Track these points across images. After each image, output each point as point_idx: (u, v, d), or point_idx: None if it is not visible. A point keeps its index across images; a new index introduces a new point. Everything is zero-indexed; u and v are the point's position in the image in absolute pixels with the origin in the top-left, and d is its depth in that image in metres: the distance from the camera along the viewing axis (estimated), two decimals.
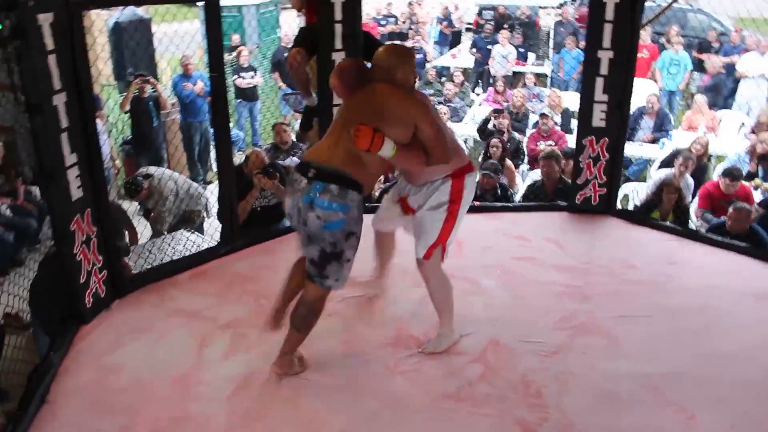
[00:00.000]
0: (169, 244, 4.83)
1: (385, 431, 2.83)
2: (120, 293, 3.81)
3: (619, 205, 5.10)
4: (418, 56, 10.89)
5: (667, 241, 4.65)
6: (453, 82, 9.51)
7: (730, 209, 4.98)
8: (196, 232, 5.20)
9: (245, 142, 8.53)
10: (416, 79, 3.05)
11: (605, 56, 4.59)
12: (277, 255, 4.35)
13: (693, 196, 6.11)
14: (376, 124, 2.78)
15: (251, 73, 8.79)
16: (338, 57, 4.46)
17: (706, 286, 4.03)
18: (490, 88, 9.62)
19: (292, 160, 5.90)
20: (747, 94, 9.26)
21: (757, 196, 6.02)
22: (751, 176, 6.55)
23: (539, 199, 5.47)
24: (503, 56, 10.38)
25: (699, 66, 9.99)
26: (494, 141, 6.77)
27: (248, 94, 8.81)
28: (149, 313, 3.70)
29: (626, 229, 4.80)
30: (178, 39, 6.96)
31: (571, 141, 6.72)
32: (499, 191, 5.64)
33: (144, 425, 2.87)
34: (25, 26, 3.01)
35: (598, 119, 4.69)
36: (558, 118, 8.21)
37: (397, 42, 7.77)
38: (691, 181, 6.20)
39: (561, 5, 11.74)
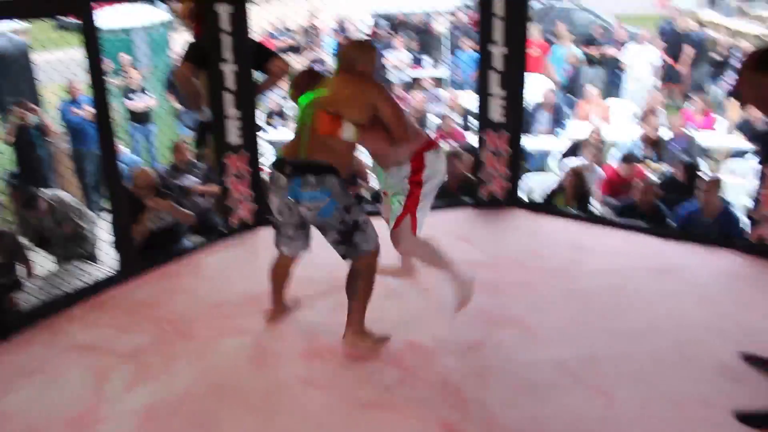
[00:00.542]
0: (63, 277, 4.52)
1: None
2: (4, 334, 3.50)
3: (525, 198, 5.15)
4: (321, 67, 10.80)
5: (572, 227, 4.71)
6: None
7: (639, 184, 5.22)
8: (90, 262, 4.88)
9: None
10: (374, 69, 3.16)
11: (498, 51, 4.63)
12: (178, 278, 4.15)
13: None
14: (335, 109, 2.94)
15: (143, 95, 8.47)
16: (228, 69, 4.31)
17: (612, 268, 4.10)
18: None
19: (190, 179, 5.67)
20: (633, 82, 9.64)
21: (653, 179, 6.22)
22: (644, 159, 6.78)
23: (445, 197, 5.44)
24: (398, 61, 10.44)
25: (589, 60, 10.35)
26: None
27: (141, 117, 8.47)
28: (40, 352, 3.41)
29: (532, 219, 4.84)
30: (62, 67, 6.62)
31: (471, 139, 6.77)
32: None
33: None
34: None
35: (496, 114, 4.72)
36: (459, 118, 8.30)
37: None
38: (600, 170, 6.36)
39: (452, 13, 11.95)
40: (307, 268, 4.09)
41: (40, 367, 3.28)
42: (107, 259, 4.88)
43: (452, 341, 3.35)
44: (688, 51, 9.91)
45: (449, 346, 3.31)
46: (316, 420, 2.83)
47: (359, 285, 3.12)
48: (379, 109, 3.00)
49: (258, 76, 4.51)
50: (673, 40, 10.05)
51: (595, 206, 5.90)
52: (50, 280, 4.46)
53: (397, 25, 12.09)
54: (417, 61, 11.07)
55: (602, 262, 4.19)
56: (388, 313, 3.57)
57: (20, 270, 4.64)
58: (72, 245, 4.90)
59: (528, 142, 6.74)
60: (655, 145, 6.91)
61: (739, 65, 8.79)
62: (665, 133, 7.15)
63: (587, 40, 10.57)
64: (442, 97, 9.32)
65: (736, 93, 2.62)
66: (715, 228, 4.75)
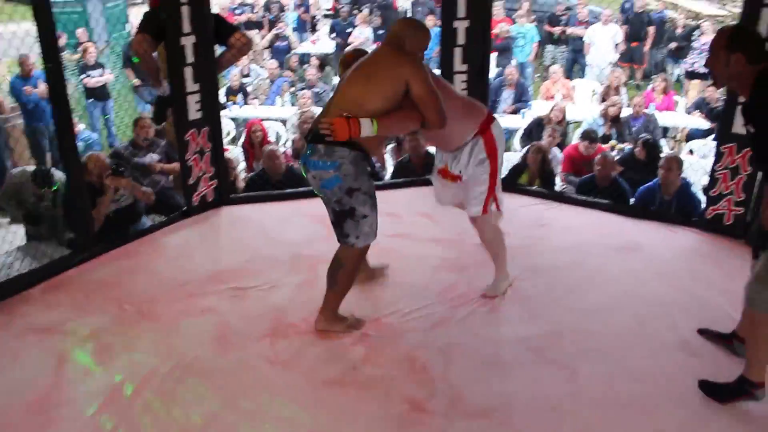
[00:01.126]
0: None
1: (270, 426, 2.68)
2: None
3: None
4: (282, 43, 10.65)
5: (535, 205, 4.75)
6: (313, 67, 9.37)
7: (598, 157, 5.28)
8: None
9: (100, 144, 7.99)
10: (421, 52, 3.09)
11: (461, 26, 4.60)
12: (138, 257, 4.07)
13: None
14: (362, 86, 2.90)
15: (100, 71, 8.25)
16: (188, 41, 4.21)
17: (574, 245, 4.14)
18: None
19: (152, 157, 5.55)
20: (596, 61, 9.73)
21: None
22: (606, 138, 6.84)
23: (408, 175, 5.44)
24: (363, 38, 10.35)
25: (549, 38, 10.38)
26: None
27: (99, 93, 8.25)
28: None
29: None
30: (17, 40, 6.38)
31: None
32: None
33: None
34: None
35: (459, 88, 4.70)
36: None
37: None
38: (559, 153, 6.39)
39: None
40: (272, 246, 4.08)
41: None
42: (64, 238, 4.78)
43: (417, 318, 3.36)
44: (649, 31, 10.03)
45: (414, 323, 3.32)
46: (281, 398, 2.81)
47: (339, 274, 3.12)
48: (411, 87, 2.90)
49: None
50: (634, 20, 10.16)
51: (558, 184, 5.95)
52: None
53: (360, 0, 11.95)
54: (381, 38, 10.96)
55: (565, 239, 4.23)
56: (352, 292, 3.56)
57: None
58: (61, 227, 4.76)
59: None
60: (615, 122, 6.99)
61: (698, 45, 9.03)
62: (626, 112, 7.23)
63: (550, 19, 10.61)
64: None
65: (709, 73, 2.60)
66: (674, 206, 4.82)
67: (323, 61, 9.82)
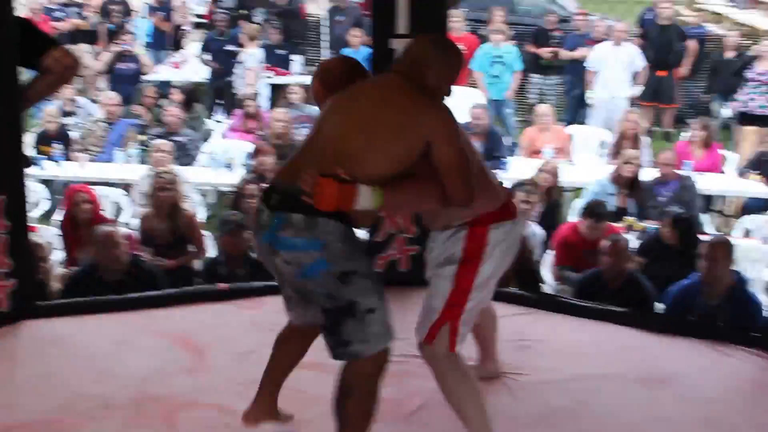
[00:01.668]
0: None
1: None
2: None
3: None
4: (130, 66, 10.67)
5: (514, 315, 4.75)
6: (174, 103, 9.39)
7: (605, 242, 5.33)
8: None
9: None
10: (449, 88, 3.16)
11: (402, 46, 4.68)
12: None
13: (545, 249, 6.39)
14: (362, 137, 2.93)
15: None
16: None
17: (573, 377, 4.14)
18: (238, 111, 9.61)
19: None
20: (603, 101, 10.03)
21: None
22: (620, 214, 6.98)
23: None
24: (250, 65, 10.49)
25: (535, 64, 10.69)
26: (250, 189, 6.74)
27: None
28: None
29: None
30: None
31: None
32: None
33: None
34: None
35: None
36: None
37: None
38: (538, 229, 6.48)
39: None
40: (102, 384, 3.98)
41: None
42: None
43: None
44: (684, 52, 10.41)
45: None
46: None
47: (349, 407, 3.07)
48: (434, 148, 2.95)
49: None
50: (660, 39, 10.52)
51: (549, 283, 6.01)
52: None
53: (248, 3, 12.11)
54: (282, 61, 11.13)
55: (559, 368, 4.23)
56: None
57: None
58: None
59: None
60: (632, 189, 7.13)
61: (753, 75, 9.31)
62: (649, 174, 7.41)
63: (537, 36, 10.90)
64: None
65: None
66: (723, 314, 4.90)
67: (191, 96, 9.86)
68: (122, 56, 10.81)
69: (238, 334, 4.52)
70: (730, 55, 10.51)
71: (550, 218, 6.84)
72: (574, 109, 10.57)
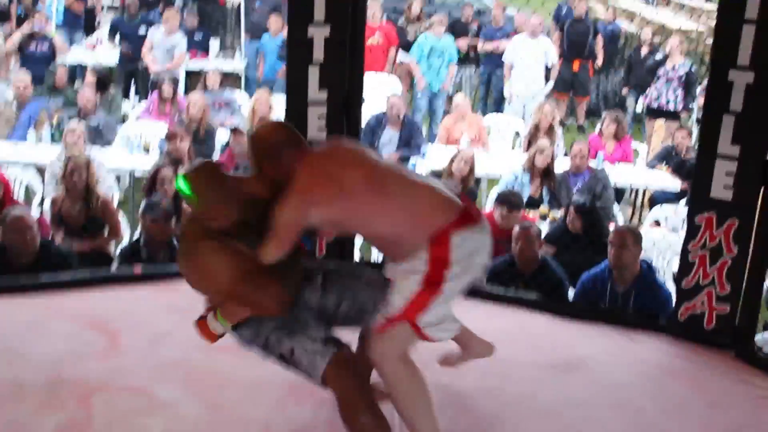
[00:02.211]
0: None
1: None
2: None
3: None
4: (40, 48, 10.41)
5: None
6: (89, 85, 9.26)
7: (516, 229, 5.39)
8: None
9: None
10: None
11: (320, 34, 4.66)
12: None
13: None
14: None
15: None
16: None
17: (486, 363, 4.16)
18: (152, 94, 9.48)
19: None
20: (519, 91, 10.15)
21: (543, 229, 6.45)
22: (534, 203, 7.07)
23: None
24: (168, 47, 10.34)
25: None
26: (165, 173, 6.64)
27: None
28: None
29: None
30: None
31: None
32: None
33: None
34: None
35: (316, 127, 4.74)
36: None
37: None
38: None
39: None
40: (14, 368, 3.93)
41: None
42: None
43: None
44: (597, 46, 10.61)
45: None
46: None
47: (348, 418, 3.18)
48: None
49: None
50: (575, 31, 10.71)
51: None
52: None
53: None
54: (200, 46, 11.00)
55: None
56: None
57: None
58: None
59: None
60: (546, 178, 7.19)
61: (663, 71, 9.52)
62: (562, 165, 7.53)
63: (454, 28, 10.96)
64: (236, 102, 9.34)
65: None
66: (631, 302, 4.99)
67: (105, 78, 9.69)
68: (33, 37, 10.55)
69: (153, 317, 4.50)
70: (645, 51, 10.72)
71: None
72: (491, 100, 10.65)
